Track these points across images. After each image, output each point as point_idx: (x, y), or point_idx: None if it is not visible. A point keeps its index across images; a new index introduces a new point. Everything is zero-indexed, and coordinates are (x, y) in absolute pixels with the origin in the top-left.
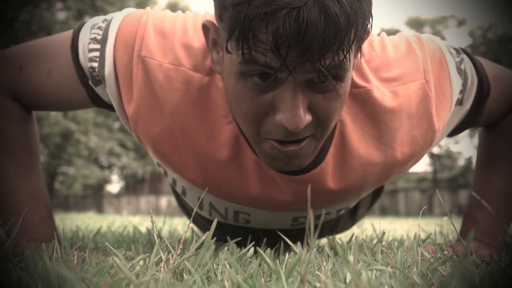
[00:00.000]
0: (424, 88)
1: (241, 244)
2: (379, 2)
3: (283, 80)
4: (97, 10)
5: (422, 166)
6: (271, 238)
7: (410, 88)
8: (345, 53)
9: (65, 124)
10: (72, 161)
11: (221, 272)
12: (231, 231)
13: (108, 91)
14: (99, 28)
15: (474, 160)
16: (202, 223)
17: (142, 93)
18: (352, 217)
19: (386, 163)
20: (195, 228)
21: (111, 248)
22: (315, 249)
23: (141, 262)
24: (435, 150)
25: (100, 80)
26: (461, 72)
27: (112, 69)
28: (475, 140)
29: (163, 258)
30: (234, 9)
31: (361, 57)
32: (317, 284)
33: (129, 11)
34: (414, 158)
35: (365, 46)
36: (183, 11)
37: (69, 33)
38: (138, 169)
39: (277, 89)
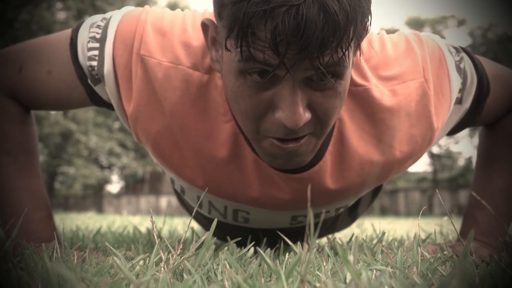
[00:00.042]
0: (423, 87)
1: (241, 244)
2: (379, 2)
3: (282, 77)
4: (97, 10)
5: (422, 166)
6: (271, 237)
7: (409, 87)
8: (344, 50)
9: (65, 124)
10: (72, 161)
11: (221, 272)
12: (231, 230)
13: (108, 90)
14: (98, 26)
15: (474, 160)
16: (202, 221)
17: (142, 92)
18: (351, 215)
19: (385, 162)
20: (195, 228)
21: (111, 248)
22: (315, 249)
23: (141, 262)
24: (435, 150)
25: (99, 79)
26: (461, 71)
27: (111, 67)
28: (475, 140)
29: (163, 258)
30: (233, 7)
31: (360, 55)
32: (317, 284)
33: (128, 9)
34: (413, 157)
35: (364, 44)
36: (183, 10)
37: (67, 32)
38: (138, 169)
39: (276, 87)
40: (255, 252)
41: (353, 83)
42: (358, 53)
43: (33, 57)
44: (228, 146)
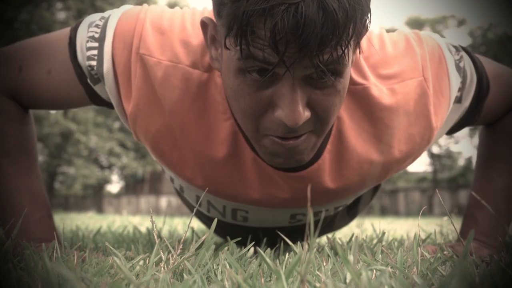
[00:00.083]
0: (422, 85)
1: (241, 243)
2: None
3: (282, 76)
4: (97, 10)
5: (422, 166)
6: (270, 236)
7: (408, 86)
8: (343, 48)
9: (65, 124)
10: (72, 161)
11: (221, 272)
12: (230, 229)
13: (107, 89)
14: (97, 26)
15: (474, 160)
16: (203, 219)
17: (141, 91)
18: (350, 213)
19: (383, 161)
20: (195, 228)
21: (111, 248)
22: (315, 249)
23: (141, 262)
24: (435, 150)
25: (98, 78)
26: (460, 70)
27: (110, 67)
28: (475, 140)
29: (163, 258)
30: (232, 5)
31: (360, 53)
32: (317, 284)
33: (126, 8)
34: (412, 156)
35: (363, 42)
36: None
37: (66, 31)
38: (138, 169)
39: (275, 85)
40: (255, 252)
41: (352, 81)
42: (357, 51)
43: (33, 56)
44: (227, 145)
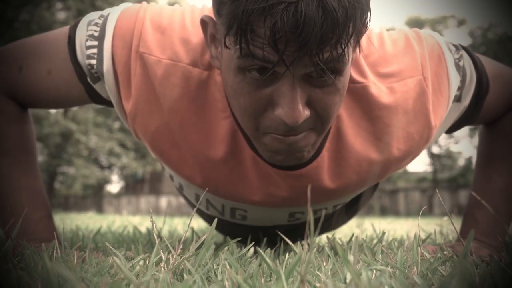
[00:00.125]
0: (421, 84)
1: (241, 242)
2: (379, 2)
3: (282, 74)
4: (97, 10)
5: (422, 166)
6: (269, 234)
7: (407, 84)
8: (343, 47)
9: (65, 124)
10: (72, 161)
11: (221, 272)
12: (229, 227)
13: (107, 88)
14: (96, 24)
15: (474, 160)
16: (203, 216)
17: (140, 90)
18: (348, 212)
19: (382, 160)
20: (195, 228)
21: (111, 248)
22: (315, 249)
23: (141, 262)
24: (435, 150)
25: (98, 77)
26: (460, 68)
27: (110, 65)
28: (475, 140)
29: (163, 258)
30: (232, 4)
31: (360, 52)
32: (317, 284)
33: (125, 6)
34: (411, 154)
35: (363, 40)
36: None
37: (65, 30)
38: (138, 169)
39: (275, 84)
40: (255, 252)
41: (351, 80)
42: (357, 49)
43: (33, 55)
44: (226, 143)
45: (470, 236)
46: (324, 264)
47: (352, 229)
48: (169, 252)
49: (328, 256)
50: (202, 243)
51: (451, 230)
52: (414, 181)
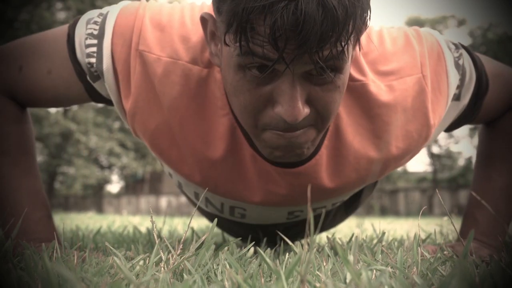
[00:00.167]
0: (420, 83)
1: (241, 238)
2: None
3: (281, 72)
4: None
5: (422, 166)
6: (268, 232)
7: (407, 83)
8: (343, 45)
9: (65, 124)
10: (72, 161)
11: (221, 272)
12: (229, 224)
13: (107, 86)
14: (95, 23)
15: (474, 160)
16: (203, 213)
17: (140, 88)
18: (348, 210)
19: (381, 158)
20: (195, 228)
21: (111, 248)
22: (315, 249)
23: (141, 262)
24: (435, 150)
25: (98, 75)
26: (459, 67)
27: (110, 63)
28: (475, 140)
29: (163, 258)
30: (232, 2)
31: (360, 50)
32: (317, 284)
33: (124, 4)
34: (409, 153)
35: (363, 38)
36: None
37: (64, 29)
38: (138, 169)
39: (275, 82)
40: (255, 252)
41: (350, 78)
42: (357, 47)
43: (33, 53)
44: (225, 140)
45: (470, 236)
46: (324, 264)
47: (352, 229)
48: (169, 252)
49: (328, 256)
50: (202, 243)
51: (451, 230)
52: (414, 181)
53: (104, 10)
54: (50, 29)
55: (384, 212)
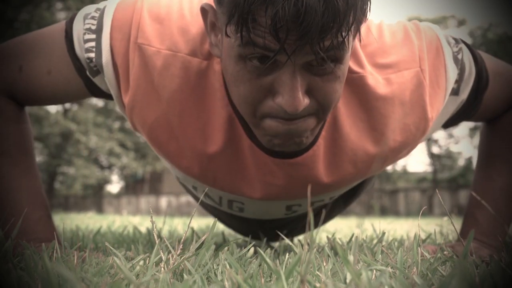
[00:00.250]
0: (418, 76)
1: (238, 231)
2: (379, 2)
3: (283, 63)
4: None
5: (422, 166)
6: (266, 226)
7: (404, 76)
8: (344, 36)
9: (65, 124)
10: (72, 161)
11: (221, 272)
12: (227, 218)
13: (107, 80)
14: (93, 18)
15: (474, 160)
16: (203, 205)
17: (138, 81)
18: (346, 203)
19: (378, 151)
20: (195, 228)
21: (111, 248)
22: (315, 249)
23: (141, 262)
24: (435, 150)
25: (98, 70)
26: (458, 61)
27: (109, 58)
28: (475, 140)
29: (163, 258)
30: None
31: (360, 41)
32: (317, 284)
33: None
34: (407, 146)
35: (362, 31)
36: None
37: (61, 25)
38: (138, 169)
39: (276, 72)
40: (255, 252)
41: (348, 70)
42: (357, 37)
43: (32, 52)
44: (224, 132)
45: (470, 236)
46: (324, 264)
47: (352, 229)
48: (169, 252)
49: (328, 256)
50: (202, 243)
51: (451, 230)
52: (414, 181)
53: (101, 5)
54: (47, 27)
55: (384, 212)
